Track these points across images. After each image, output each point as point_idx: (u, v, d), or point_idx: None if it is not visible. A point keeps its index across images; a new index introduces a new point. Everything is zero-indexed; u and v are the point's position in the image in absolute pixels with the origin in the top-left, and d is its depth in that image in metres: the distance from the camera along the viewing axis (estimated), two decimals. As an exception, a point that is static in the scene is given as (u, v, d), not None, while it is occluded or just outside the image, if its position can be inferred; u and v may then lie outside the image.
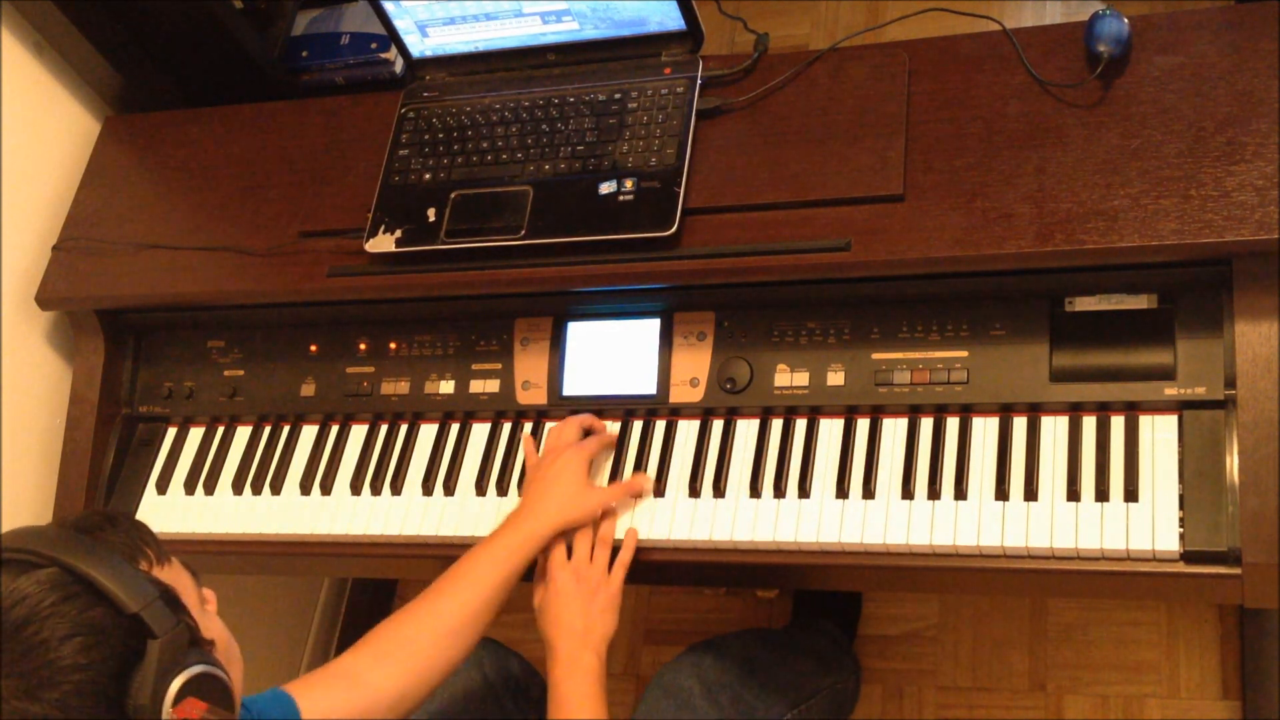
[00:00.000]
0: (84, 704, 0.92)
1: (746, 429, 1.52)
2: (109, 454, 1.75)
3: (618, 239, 1.50)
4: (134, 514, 1.72)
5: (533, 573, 1.46)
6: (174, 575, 1.06)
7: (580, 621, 1.41)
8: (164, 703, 0.95)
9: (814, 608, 2.08)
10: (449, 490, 1.59)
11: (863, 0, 2.61)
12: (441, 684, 1.40)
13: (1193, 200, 1.33)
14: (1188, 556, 1.30)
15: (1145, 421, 1.38)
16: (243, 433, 1.74)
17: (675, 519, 1.48)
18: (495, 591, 1.40)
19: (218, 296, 1.71)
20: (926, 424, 1.45)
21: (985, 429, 1.43)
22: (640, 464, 1.53)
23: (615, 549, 1.47)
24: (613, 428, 1.56)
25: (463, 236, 1.56)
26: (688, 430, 1.54)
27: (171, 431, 1.77)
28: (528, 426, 1.61)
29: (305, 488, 1.66)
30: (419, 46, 1.68)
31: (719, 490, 1.49)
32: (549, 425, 1.59)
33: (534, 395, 1.60)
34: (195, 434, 1.76)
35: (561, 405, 1.59)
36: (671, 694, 1.56)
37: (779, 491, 1.46)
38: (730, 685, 1.57)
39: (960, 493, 1.40)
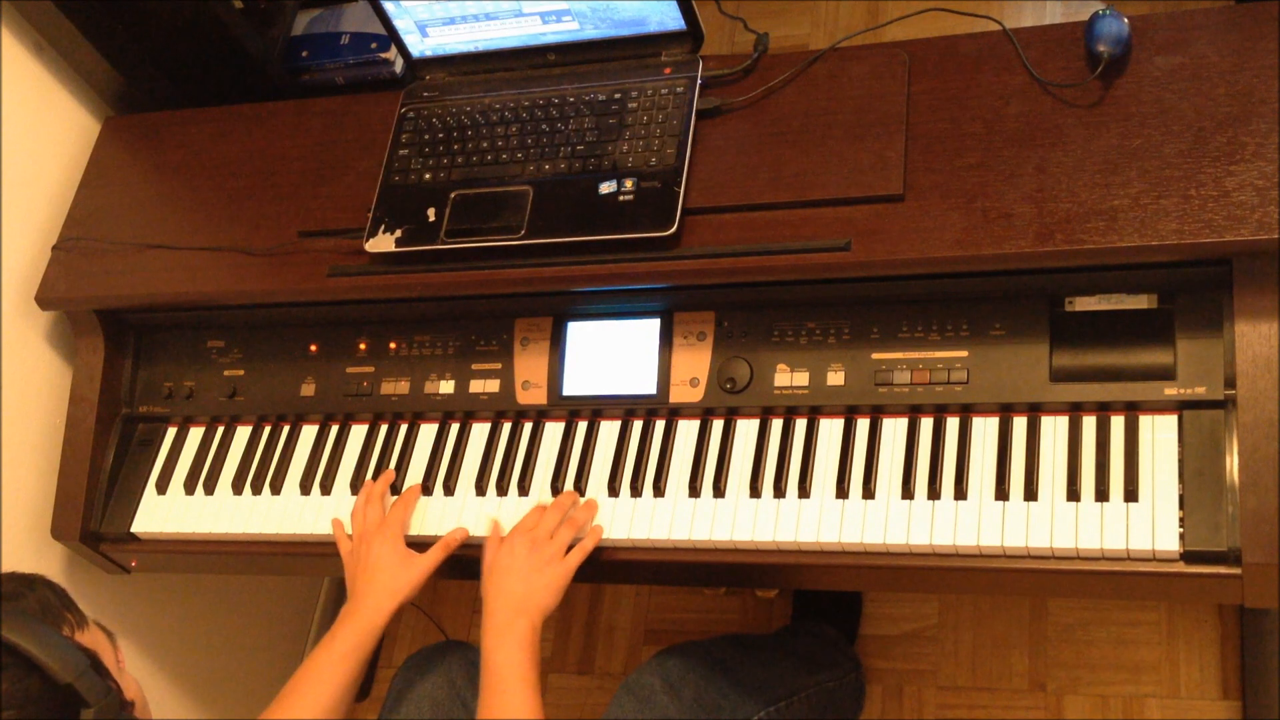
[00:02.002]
0: None
1: (746, 429, 1.52)
2: (109, 454, 1.75)
3: (618, 239, 1.50)
4: (133, 517, 1.72)
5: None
6: (94, 638, 1.06)
7: (521, 588, 1.41)
8: None
9: (812, 609, 2.08)
10: (449, 490, 1.59)
11: (863, 0, 2.61)
12: None
13: (1193, 200, 1.33)
14: (1188, 556, 1.30)
15: (1145, 421, 1.38)
16: (243, 433, 1.74)
17: (675, 519, 1.48)
18: (343, 689, 1.42)
19: (218, 296, 1.71)
20: (926, 424, 1.45)
21: (985, 429, 1.43)
22: (640, 464, 1.53)
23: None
24: (417, 504, 1.58)
25: (463, 236, 1.56)
26: (688, 430, 1.54)
27: (171, 431, 1.77)
28: (389, 481, 1.62)
29: (305, 488, 1.66)
30: (419, 46, 1.68)
31: (719, 490, 1.49)
32: (548, 426, 1.59)
33: (534, 395, 1.60)
34: (195, 434, 1.76)
35: (561, 405, 1.59)
36: (634, 692, 1.56)
37: (779, 491, 1.46)
38: (694, 683, 1.57)
39: (960, 493, 1.40)
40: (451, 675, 1.58)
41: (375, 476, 1.63)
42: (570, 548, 1.46)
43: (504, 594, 1.41)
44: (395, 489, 1.61)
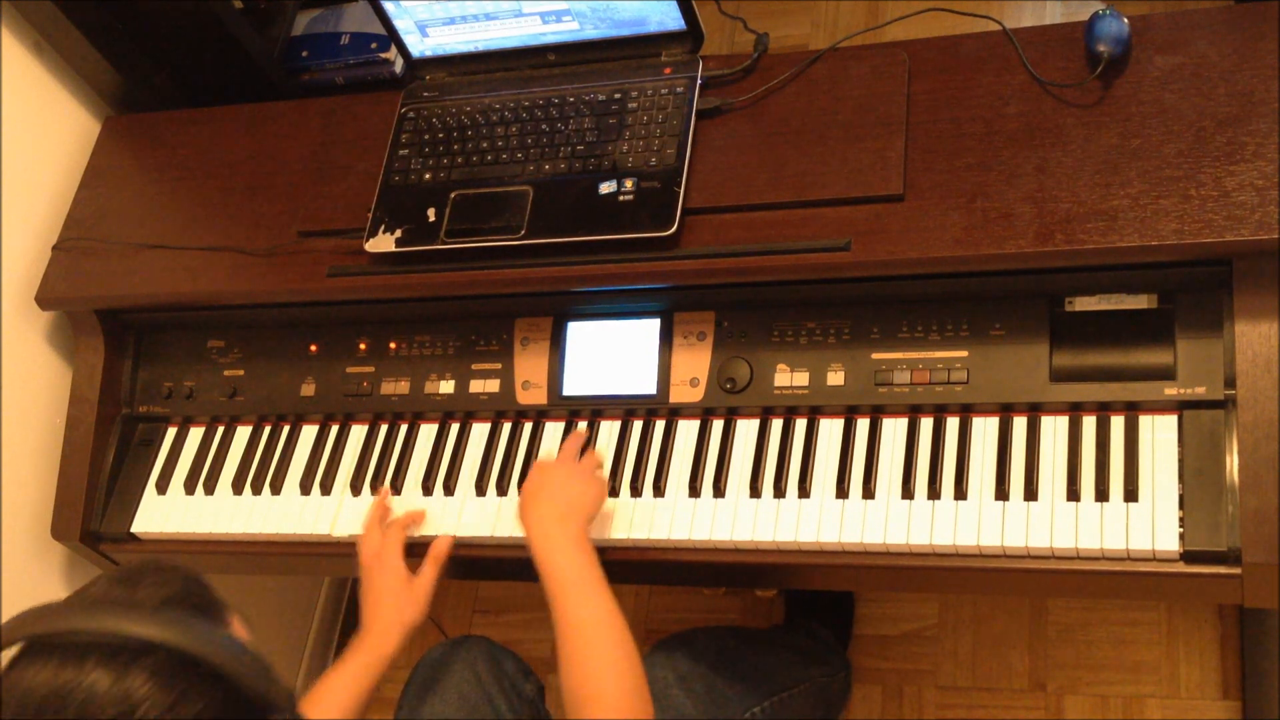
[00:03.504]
0: None
1: (746, 429, 1.52)
2: (109, 454, 1.75)
3: (617, 239, 1.50)
4: (134, 517, 1.72)
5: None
6: (239, 625, 0.99)
7: (561, 495, 1.41)
8: None
9: (805, 610, 2.08)
10: (449, 490, 1.59)
11: (863, 0, 2.61)
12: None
13: (1193, 200, 1.33)
14: (1188, 556, 1.30)
15: (1145, 421, 1.38)
16: (243, 433, 1.74)
17: (675, 519, 1.48)
18: (351, 715, 1.42)
19: (218, 296, 1.71)
20: (926, 424, 1.45)
21: (985, 429, 1.43)
22: (640, 464, 1.53)
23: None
24: (417, 504, 1.59)
25: (463, 236, 1.56)
26: (688, 430, 1.54)
27: (171, 431, 1.77)
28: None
29: (305, 488, 1.66)
30: (419, 46, 1.68)
31: (719, 490, 1.49)
32: (548, 426, 1.59)
33: (534, 395, 1.60)
34: (195, 434, 1.76)
35: (561, 405, 1.59)
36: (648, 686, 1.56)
37: (779, 491, 1.46)
38: (704, 674, 1.57)
39: (960, 493, 1.40)
40: (477, 670, 1.57)
41: (376, 475, 1.63)
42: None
43: (543, 502, 1.41)
44: (397, 489, 1.61)
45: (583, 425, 1.58)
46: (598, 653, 1.30)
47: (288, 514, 1.65)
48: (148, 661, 0.85)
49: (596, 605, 1.32)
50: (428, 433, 1.65)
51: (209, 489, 1.71)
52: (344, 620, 2.44)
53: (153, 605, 0.90)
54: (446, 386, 1.64)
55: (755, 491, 1.47)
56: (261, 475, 1.69)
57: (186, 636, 0.86)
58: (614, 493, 1.53)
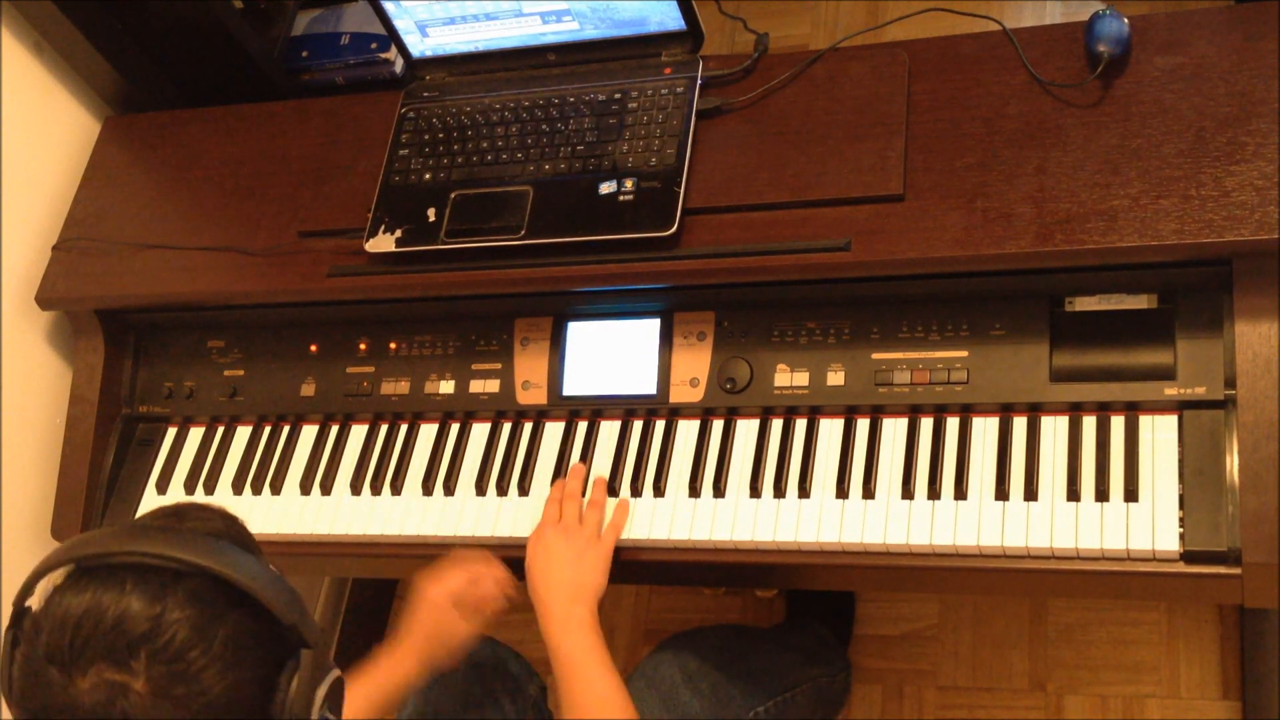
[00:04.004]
0: (228, 712, 0.89)
1: (746, 429, 1.52)
2: (109, 454, 1.75)
3: (617, 239, 1.50)
4: (134, 517, 1.72)
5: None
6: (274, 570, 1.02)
7: (568, 574, 1.41)
8: (314, 708, 0.93)
9: (806, 610, 2.08)
10: (449, 490, 1.59)
11: (863, 0, 2.60)
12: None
13: (1193, 200, 1.33)
14: (1188, 556, 1.30)
15: (1145, 421, 1.37)
16: (243, 433, 1.74)
17: (675, 519, 1.48)
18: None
19: (218, 296, 1.71)
20: (926, 424, 1.45)
21: (985, 429, 1.43)
22: (640, 464, 1.53)
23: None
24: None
25: (463, 236, 1.56)
26: (688, 430, 1.54)
27: (171, 431, 1.77)
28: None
29: (305, 488, 1.66)
30: (419, 46, 1.68)
31: (719, 490, 1.49)
32: (548, 426, 1.59)
33: (534, 395, 1.60)
34: (195, 434, 1.76)
35: (562, 405, 1.59)
36: (655, 685, 1.56)
37: (779, 491, 1.46)
38: (710, 673, 1.58)
39: (960, 493, 1.40)
40: (481, 670, 1.58)
41: (376, 475, 1.63)
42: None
43: (553, 585, 1.41)
44: (397, 489, 1.61)
45: (584, 427, 1.57)
46: None
47: (288, 514, 1.65)
48: (185, 584, 0.89)
49: (604, 688, 1.34)
50: (428, 433, 1.65)
51: (209, 489, 1.71)
52: (344, 620, 2.44)
53: (199, 534, 0.93)
54: (446, 386, 1.64)
55: (755, 491, 1.47)
56: (261, 475, 1.69)
57: (224, 562, 0.90)
58: (613, 493, 1.53)
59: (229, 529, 0.99)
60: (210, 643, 0.89)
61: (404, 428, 1.66)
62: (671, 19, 1.56)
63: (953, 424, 1.45)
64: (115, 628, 0.88)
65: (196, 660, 0.88)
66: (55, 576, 0.92)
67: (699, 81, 1.56)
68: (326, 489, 1.65)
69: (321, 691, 0.95)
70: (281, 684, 0.92)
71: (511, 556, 1.55)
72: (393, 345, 1.68)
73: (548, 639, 1.39)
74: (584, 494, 1.52)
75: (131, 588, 0.89)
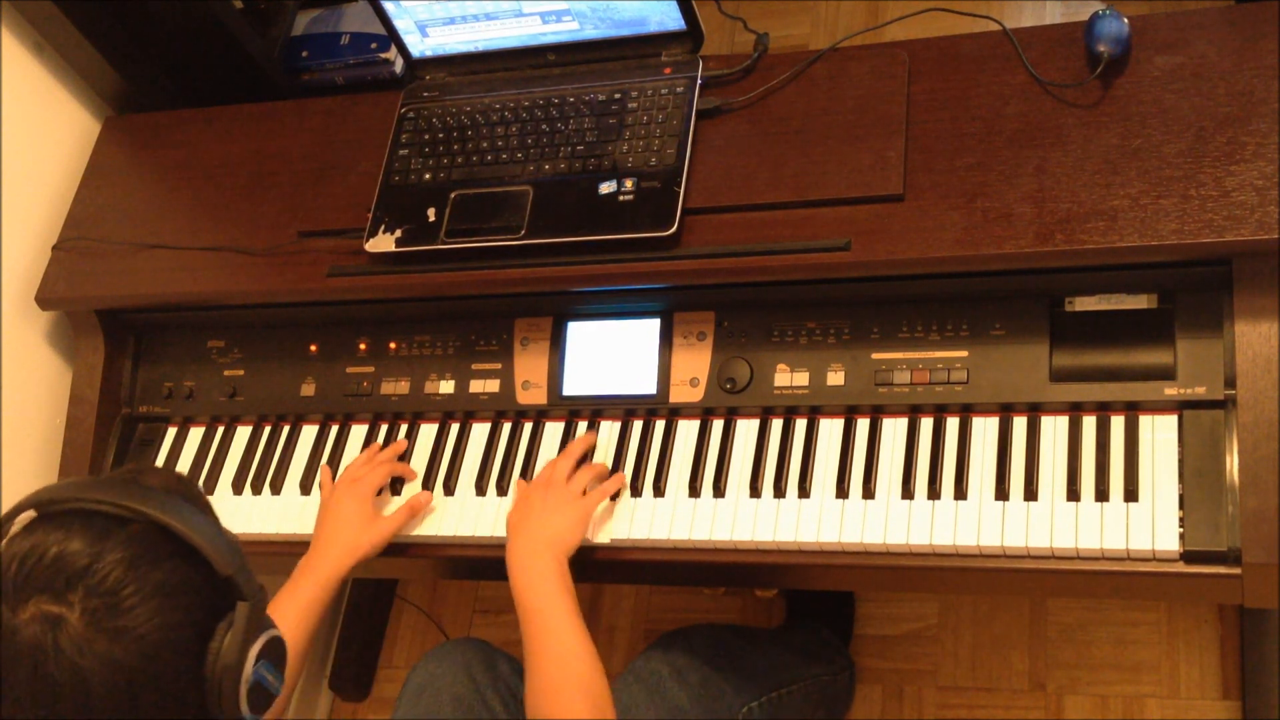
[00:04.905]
0: (162, 657, 0.92)
1: (746, 429, 1.52)
2: (109, 454, 1.75)
3: (617, 239, 1.50)
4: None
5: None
6: (229, 534, 1.06)
7: (540, 526, 1.42)
8: (246, 663, 0.96)
9: (806, 610, 2.08)
10: (449, 490, 1.59)
11: (863, 0, 2.60)
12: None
13: (1193, 200, 1.33)
14: (1188, 556, 1.30)
15: (1145, 421, 1.38)
16: (243, 433, 1.74)
17: (675, 519, 1.48)
18: (305, 640, 1.44)
19: (218, 296, 1.71)
20: (926, 424, 1.45)
21: (985, 429, 1.43)
22: (640, 464, 1.53)
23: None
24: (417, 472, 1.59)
25: (463, 236, 1.56)
26: (688, 430, 1.54)
27: (171, 431, 1.77)
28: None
29: (305, 488, 1.66)
30: (419, 46, 1.68)
31: (719, 490, 1.49)
32: (548, 426, 1.59)
33: (534, 395, 1.60)
34: (195, 434, 1.76)
35: (561, 405, 1.59)
36: (642, 680, 1.56)
37: (779, 491, 1.46)
38: (699, 668, 1.58)
39: (960, 493, 1.40)
40: (471, 671, 1.57)
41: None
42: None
43: (524, 535, 1.42)
44: (396, 490, 1.61)
45: (584, 427, 1.58)
46: (566, 685, 1.31)
47: (288, 514, 1.65)
48: (128, 529, 0.94)
49: (568, 638, 1.34)
50: (428, 433, 1.65)
51: (209, 489, 1.71)
52: (344, 620, 2.44)
53: (149, 488, 0.98)
54: (446, 386, 1.64)
55: (755, 491, 1.47)
56: (261, 475, 1.69)
57: (166, 512, 0.95)
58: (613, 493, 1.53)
59: (185, 486, 1.03)
60: (144, 583, 0.92)
61: (404, 428, 1.66)
62: (671, 19, 1.56)
63: (953, 424, 1.45)
64: (55, 563, 0.92)
65: (129, 599, 0.91)
66: (23, 519, 0.97)
67: (699, 81, 1.56)
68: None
69: (256, 647, 0.97)
70: (217, 633, 0.96)
71: (511, 556, 1.55)
72: (393, 345, 1.68)
73: (513, 588, 1.39)
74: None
75: (77, 530, 0.94)
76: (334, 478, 1.61)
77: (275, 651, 1.01)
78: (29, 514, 0.97)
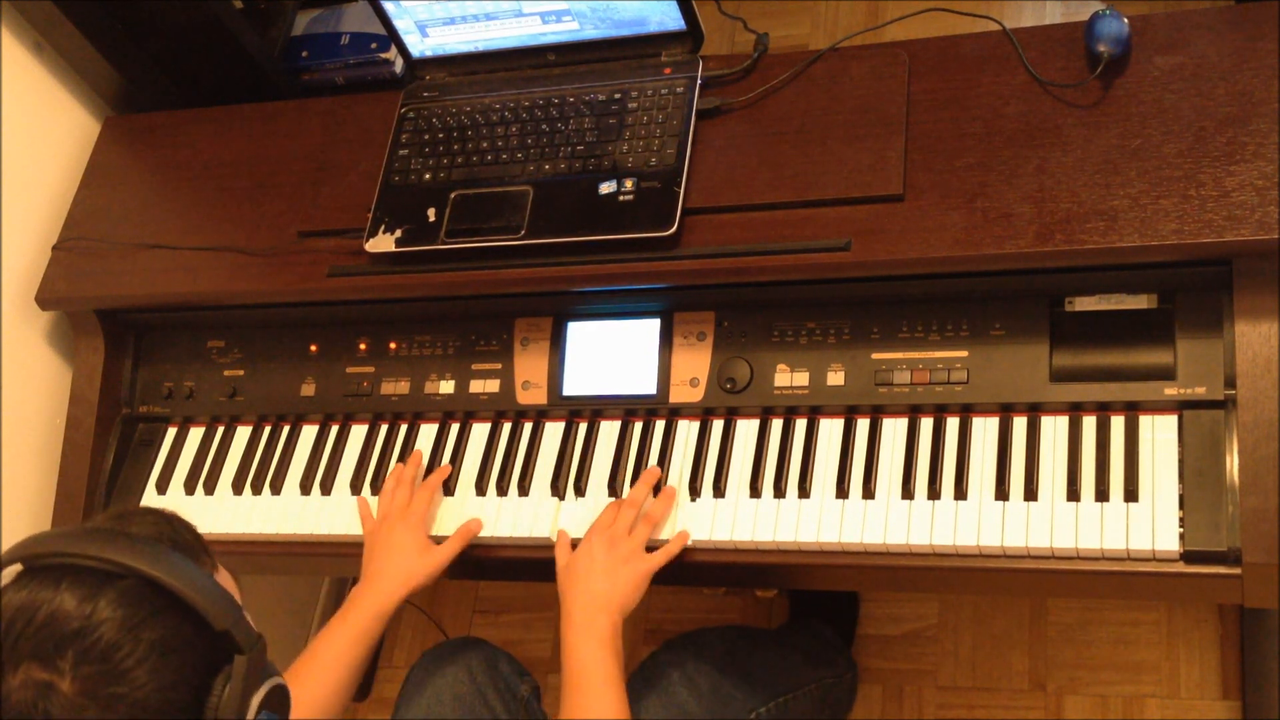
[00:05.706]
0: (157, 714, 0.89)
1: (746, 429, 1.52)
2: (109, 454, 1.75)
3: (618, 239, 1.50)
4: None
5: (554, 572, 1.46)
6: (226, 580, 1.03)
7: (601, 585, 1.40)
8: (249, 712, 0.94)
9: (809, 610, 2.08)
10: (449, 490, 1.59)
11: (863, 0, 2.60)
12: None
13: (1193, 200, 1.33)
14: (1188, 556, 1.30)
15: (1145, 421, 1.38)
16: (243, 433, 1.74)
17: (675, 519, 1.48)
18: (353, 669, 1.43)
19: (218, 296, 1.71)
20: (926, 424, 1.45)
21: (985, 429, 1.43)
22: (640, 464, 1.53)
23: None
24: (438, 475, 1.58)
25: (463, 236, 1.56)
26: (688, 430, 1.54)
27: (171, 431, 1.77)
28: (388, 467, 1.61)
29: (305, 488, 1.66)
30: (419, 46, 1.69)
31: (719, 490, 1.49)
32: (548, 426, 1.59)
33: (534, 395, 1.60)
34: (195, 434, 1.76)
35: (562, 405, 1.59)
36: (653, 685, 1.56)
37: (779, 492, 1.46)
38: (709, 673, 1.58)
39: (960, 493, 1.40)
40: (472, 670, 1.57)
41: (376, 475, 1.63)
42: (653, 549, 1.45)
43: (583, 592, 1.40)
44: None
45: (584, 427, 1.57)
46: None
47: (288, 514, 1.65)
48: (119, 585, 0.90)
49: (610, 704, 1.33)
50: (428, 433, 1.65)
51: (209, 489, 1.71)
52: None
53: (138, 538, 0.95)
54: (446, 386, 1.64)
55: (755, 492, 1.47)
56: (261, 475, 1.69)
57: (158, 566, 0.92)
58: (614, 493, 1.53)
59: (172, 533, 1.00)
60: (138, 644, 0.89)
61: (404, 428, 1.66)
62: (671, 19, 1.56)
63: (953, 424, 1.45)
64: (45, 626, 0.89)
65: (123, 661, 0.89)
66: (10, 573, 0.94)
67: (699, 81, 1.56)
68: (326, 489, 1.65)
69: (257, 698, 0.95)
70: (215, 688, 0.93)
71: (512, 556, 1.55)
72: (393, 345, 1.68)
73: (564, 642, 1.38)
74: (653, 495, 1.50)
75: (66, 588, 0.90)
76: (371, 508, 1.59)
77: (277, 699, 0.98)
78: (15, 567, 0.94)
